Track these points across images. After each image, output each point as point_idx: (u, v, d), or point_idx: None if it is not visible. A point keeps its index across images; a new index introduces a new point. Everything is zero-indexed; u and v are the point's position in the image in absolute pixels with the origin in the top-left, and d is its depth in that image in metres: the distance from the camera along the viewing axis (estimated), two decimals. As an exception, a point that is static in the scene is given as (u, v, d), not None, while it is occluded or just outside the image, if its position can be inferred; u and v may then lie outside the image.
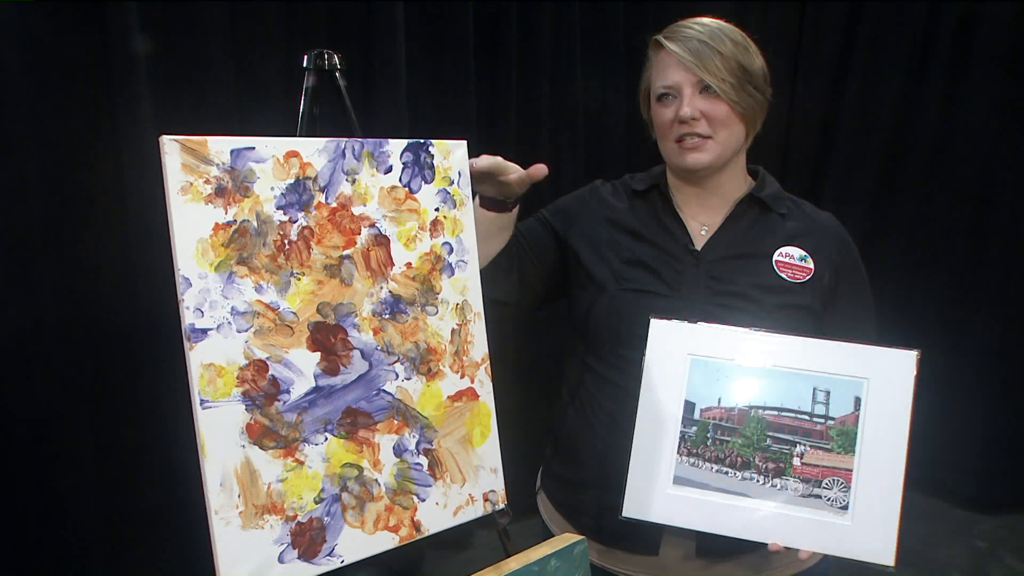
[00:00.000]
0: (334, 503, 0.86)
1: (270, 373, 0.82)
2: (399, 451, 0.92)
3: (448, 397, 0.96)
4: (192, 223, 0.78)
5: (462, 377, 0.97)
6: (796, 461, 0.98)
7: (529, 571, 0.90)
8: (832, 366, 0.99)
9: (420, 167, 0.94)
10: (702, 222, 1.12)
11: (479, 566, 0.88)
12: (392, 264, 0.92)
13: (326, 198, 0.87)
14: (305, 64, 1.06)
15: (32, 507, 1.60)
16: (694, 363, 1.02)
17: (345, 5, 1.90)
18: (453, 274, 0.97)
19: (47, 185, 1.55)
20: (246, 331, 0.81)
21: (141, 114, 1.61)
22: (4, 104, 1.48)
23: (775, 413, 0.99)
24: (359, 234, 0.89)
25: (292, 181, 0.84)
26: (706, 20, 1.06)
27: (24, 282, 1.54)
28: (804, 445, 0.98)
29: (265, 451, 0.82)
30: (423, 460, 0.93)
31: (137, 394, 1.68)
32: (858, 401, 0.98)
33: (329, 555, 0.86)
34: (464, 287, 0.97)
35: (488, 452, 0.99)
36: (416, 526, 0.92)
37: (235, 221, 0.80)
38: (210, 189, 0.79)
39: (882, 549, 0.95)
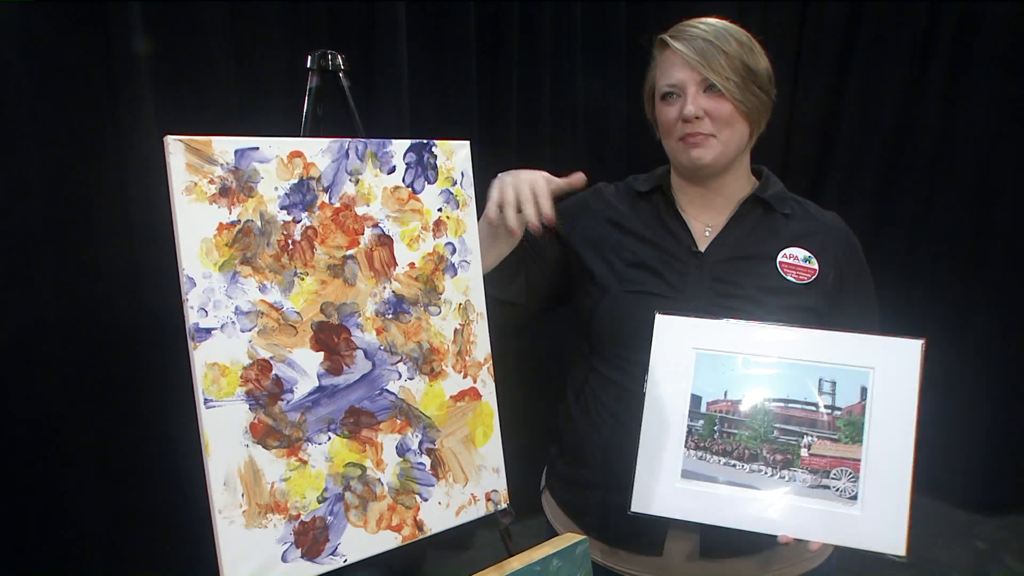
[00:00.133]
0: (337, 502, 0.87)
1: (274, 373, 0.82)
2: (402, 451, 0.92)
3: (451, 397, 0.96)
4: (196, 223, 0.78)
5: (465, 377, 0.97)
6: (804, 452, 0.98)
7: (531, 571, 0.90)
8: (838, 356, 0.99)
9: (423, 167, 0.94)
10: (705, 223, 1.12)
11: (480, 566, 0.88)
12: (395, 264, 0.92)
13: (330, 198, 0.87)
14: (309, 64, 1.06)
15: (33, 507, 1.60)
16: (699, 357, 1.02)
17: (346, 5, 1.90)
18: (456, 274, 0.97)
19: (48, 185, 1.55)
20: (250, 331, 0.81)
21: (142, 114, 1.61)
22: (5, 104, 1.48)
23: (782, 405, 0.99)
24: (362, 234, 0.89)
25: (296, 181, 0.85)
26: (712, 20, 1.06)
27: (26, 282, 1.54)
28: (811, 436, 0.98)
29: (269, 450, 0.82)
30: (426, 460, 0.93)
31: (139, 394, 1.68)
32: (864, 391, 0.97)
33: (332, 554, 0.86)
34: (467, 287, 0.98)
35: (490, 452, 0.99)
36: (419, 526, 0.92)
37: (239, 221, 0.81)
38: (214, 189, 0.79)
39: (893, 539, 0.94)
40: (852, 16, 2.57)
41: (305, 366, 0.85)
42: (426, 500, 0.93)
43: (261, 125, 1.73)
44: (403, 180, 0.92)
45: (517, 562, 0.89)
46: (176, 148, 0.77)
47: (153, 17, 1.62)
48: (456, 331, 0.97)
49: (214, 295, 0.79)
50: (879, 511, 0.95)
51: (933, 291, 2.66)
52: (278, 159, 0.83)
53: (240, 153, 0.81)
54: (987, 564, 2.41)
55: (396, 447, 0.91)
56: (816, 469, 0.97)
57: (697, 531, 1.05)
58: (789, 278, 1.07)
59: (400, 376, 0.92)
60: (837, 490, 0.96)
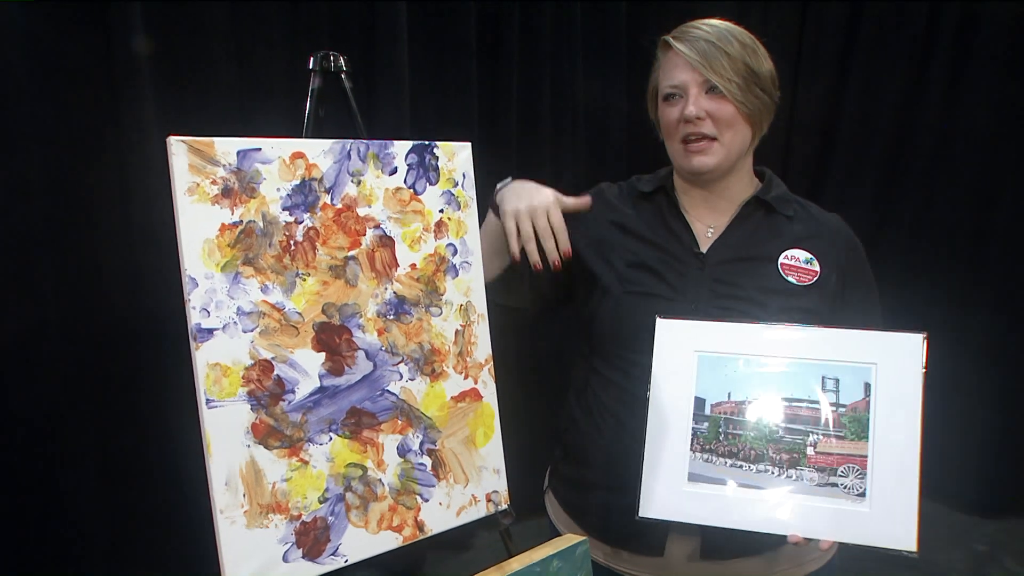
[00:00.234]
0: (338, 503, 0.87)
1: (275, 373, 0.83)
2: (403, 451, 0.92)
3: (452, 398, 0.96)
4: (199, 224, 0.78)
5: (466, 378, 0.97)
6: (810, 450, 0.98)
7: (531, 572, 0.90)
8: (839, 353, 0.99)
9: (425, 169, 0.94)
10: (708, 224, 1.12)
11: (480, 567, 0.88)
12: (397, 265, 0.92)
13: (331, 199, 0.87)
14: (311, 66, 1.06)
15: (33, 506, 1.60)
16: (701, 359, 1.02)
17: (347, 6, 1.90)
18: (457, 275, 0.97)
19: (49, 185, 1.55)
20: (252, 331, 0.81)
21: (143, 115, 1.61)
22: (6, 104, 1.48)
23: (786, 404, 0.99)
24: (364, 235, 0.90)
25: (298, 182, 0.85)
26: (715, 21, 1.06)
27: (26, 282, 1.54)
28: (817, 434, 0.98)
29: (270, 451, 0.82)
30: (427, 460, 0.94)
31: (139, 394, 1.68)
32: (868, 387, 0.97)
33: (333, 554, 0.86)
34: (468, 288, 0.98)
35: (491, 453, 0.99)
36: (419, 526, 0.93)
37: (241, 222, 0.81)
38: (217, 190, 0.79)
39: (903, 534, 0.93)
40: (852, 16, 2.57)
41: (306, 367, 0.85)
42: (427, 501, 0.93)
43: (262, 125, 1.73)
44: (405, 181, 0.93)
45: (517, 563, 0.90)
46: (179, 149, 0.77)
47: (154, 17, 1.61)
48: (457, 332, 0.97)
49: (216, 295, 0.79)
50: (888, 507, 0.94)
51: (933, 292, 2.66)
52: (280, 160, 0.84)
53: (242, 154, 0.81)
54: (986, 566, 2.40)
55: (397, 448, 0.91)
56: (823, 467, 0.97)
57: (698, 532, 1.05)
58: (790, 280, 1.07)
59: (401, 377, 0.92)
60: (845, 487, 0.96)
